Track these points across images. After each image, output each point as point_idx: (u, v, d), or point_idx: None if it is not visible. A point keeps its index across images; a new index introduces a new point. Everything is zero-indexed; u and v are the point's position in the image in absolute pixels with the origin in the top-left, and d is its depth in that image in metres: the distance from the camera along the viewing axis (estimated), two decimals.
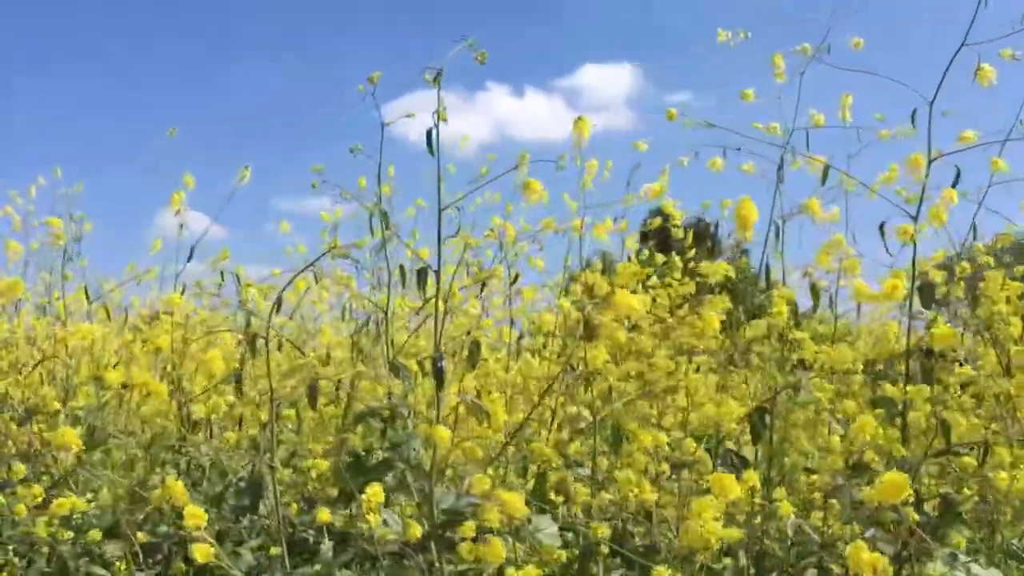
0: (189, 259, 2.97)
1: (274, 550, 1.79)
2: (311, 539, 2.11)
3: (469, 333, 2.49)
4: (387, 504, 2.18)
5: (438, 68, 2.02)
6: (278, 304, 2.07)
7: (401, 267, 2.48)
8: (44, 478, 3.28)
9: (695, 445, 1.93)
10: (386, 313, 2.47)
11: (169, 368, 3.08)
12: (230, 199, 2.91)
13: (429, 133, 1.98)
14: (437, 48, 1.98)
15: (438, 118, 1.98)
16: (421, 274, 2.06)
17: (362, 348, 2.82)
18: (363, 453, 2.41)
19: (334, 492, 2.51)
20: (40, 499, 2.25)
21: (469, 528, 1.75)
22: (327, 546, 1.90)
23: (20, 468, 2.94)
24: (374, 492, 1.83)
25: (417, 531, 1.72)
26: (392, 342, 2.47)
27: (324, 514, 1.89)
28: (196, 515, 1.56)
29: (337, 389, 3.20)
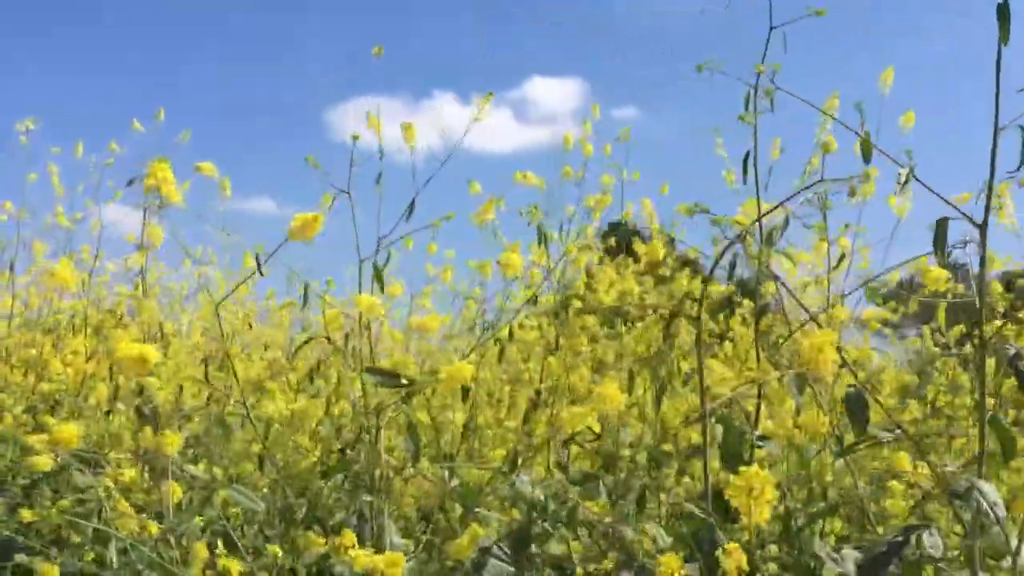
0: (409, 214, 2.22)
1: None
2: None
3: None
4: None
5: None
6: (713, 267, 1.36)
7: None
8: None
9: None
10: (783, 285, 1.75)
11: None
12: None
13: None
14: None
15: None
16: (940, 227, 1.36)
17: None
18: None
19: None
20: None
21: None
22: None
23: (177, 489, 2.18)
24: None
25: None
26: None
27: None
28: None
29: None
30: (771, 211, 1.46)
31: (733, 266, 1.63)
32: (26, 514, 2.46)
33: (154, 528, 1.79)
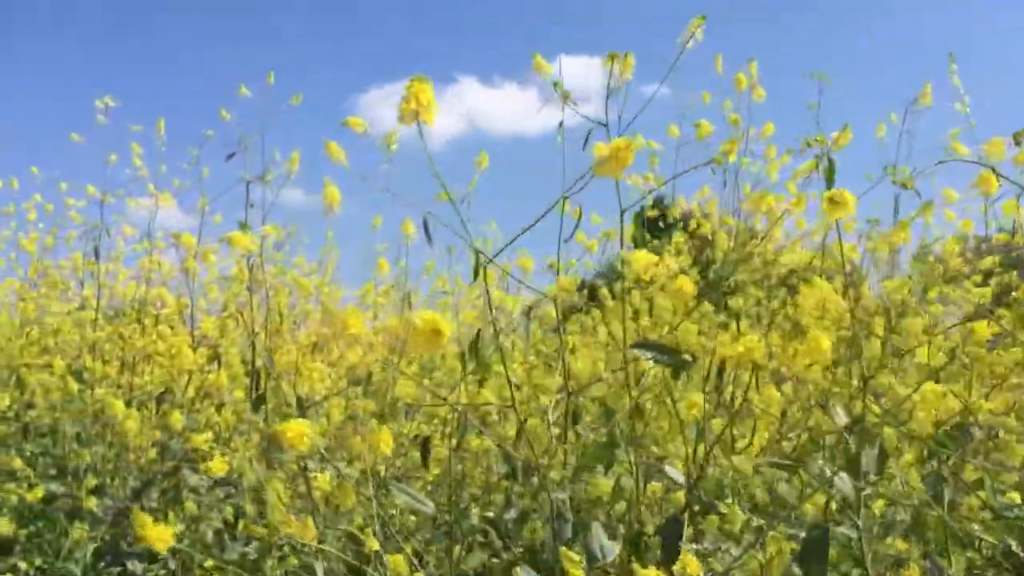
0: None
1: None
2: None
3: None
4: None
5: None
6: None
7: None
8: None
9: None
10: None
11: None
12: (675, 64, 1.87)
13: None
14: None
15: None
16: None
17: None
18: None
19: None
20: None
21: None
22: None
23: (350, 492, 1.88)
24: None
25: None
26: None
27: None
28: None
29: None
30: None
31: None
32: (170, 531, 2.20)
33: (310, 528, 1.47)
